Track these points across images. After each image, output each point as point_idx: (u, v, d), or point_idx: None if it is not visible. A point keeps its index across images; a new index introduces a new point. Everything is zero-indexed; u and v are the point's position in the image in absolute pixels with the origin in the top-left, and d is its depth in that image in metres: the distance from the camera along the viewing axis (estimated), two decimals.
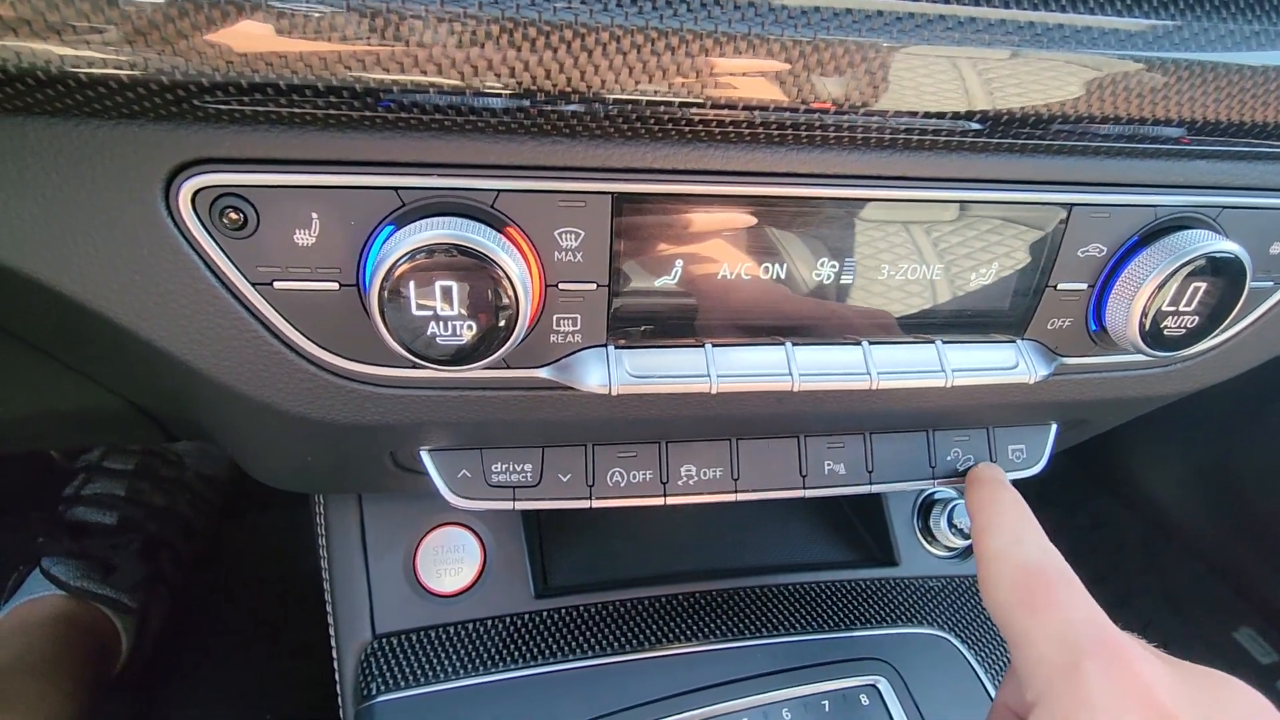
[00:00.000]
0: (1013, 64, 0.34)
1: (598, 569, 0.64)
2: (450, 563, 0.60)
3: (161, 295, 0.34)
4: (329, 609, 0.59)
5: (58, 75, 0.27)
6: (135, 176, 0.32)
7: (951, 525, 0.67)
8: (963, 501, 0.68)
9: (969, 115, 0.35)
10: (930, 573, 0.67)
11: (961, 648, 0.61)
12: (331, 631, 0.59)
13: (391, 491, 0.59)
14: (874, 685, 0.56)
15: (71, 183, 0.31)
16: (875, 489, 0.53)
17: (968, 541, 0.67)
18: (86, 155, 0.31)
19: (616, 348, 0.40)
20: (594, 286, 0.38)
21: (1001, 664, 0.62)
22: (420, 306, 0.34)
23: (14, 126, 0.30)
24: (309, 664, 1.41)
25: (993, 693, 0.59)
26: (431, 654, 0.56)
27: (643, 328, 0.40)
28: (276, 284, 0.35)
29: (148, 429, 0.72)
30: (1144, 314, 0.42)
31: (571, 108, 0.31)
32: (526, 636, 0.58)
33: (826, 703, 0.55)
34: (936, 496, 0.69)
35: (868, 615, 0.62)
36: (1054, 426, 0.56)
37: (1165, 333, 0.43)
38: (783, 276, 0.40)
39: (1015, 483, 0.49)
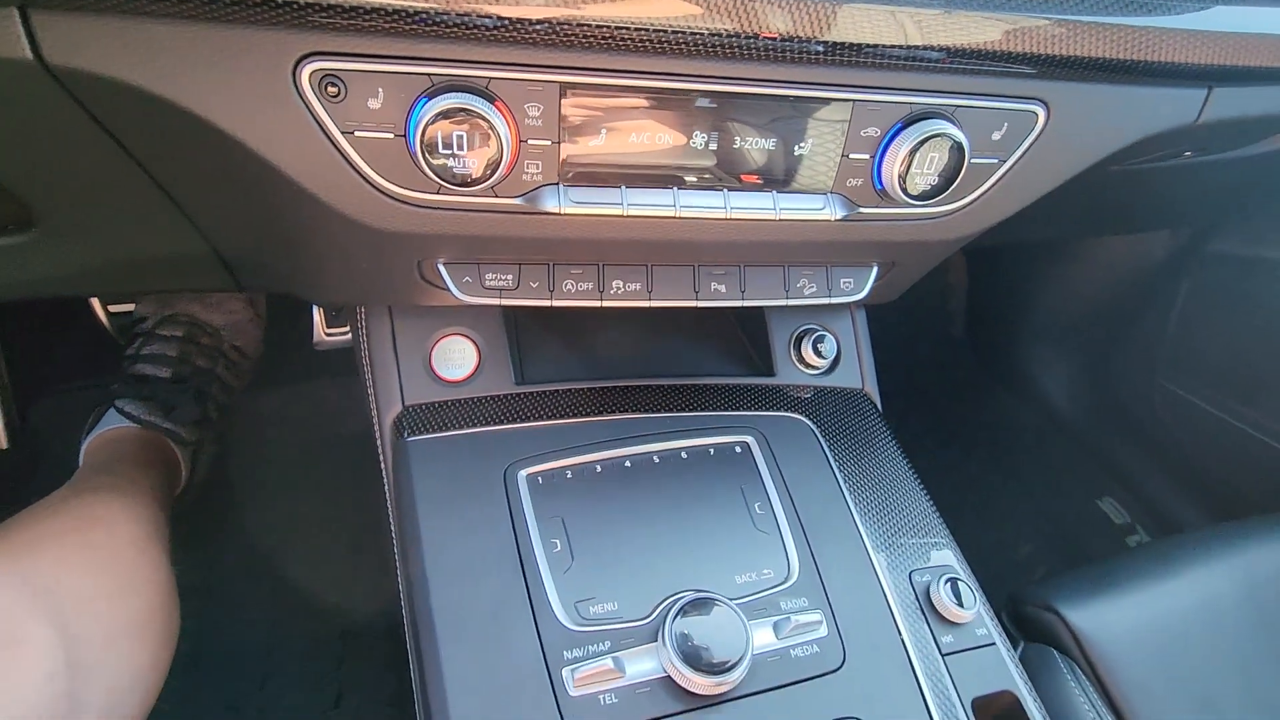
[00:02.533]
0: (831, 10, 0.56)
1: (561, 370, 0.89)
2: (455, 360, 0.85)
3: (289, 137, 0.57)
4: (370, 390, 0.85)
5: None
6: (278, 62, 0.54)
7: (816, 350, 0.93)
8: (825, 333, 0.94)
9: (797, 39, 0.58)
10: (797, 382, 0.94)
11: (813, 426, 0.88)
12: (373, 405, 0.84)
13: (414, 305, 0.84)
14: (746, 442, 0.83)
15: (243, 65, 0.53)
16: (745, 304, 0.79)
17: (826, 361, 0.94)
18: (248, 49, 0.53)
19: (565, 185, 0.63)
20: (549, 143, 0.61)
21: (837, 440, 0.89)
22: (444, 146, 0.57)
23: (208, 30, 0.52)
24: (335, 508, 1.72)
25: (831, 458, 0.86)
26: (445, 417, 0.82)
27: (581, 172, 0.63)
28: (357, 133, 0.58)
29: (221, 275, 0.96)
30: (900, 176, 0.66)
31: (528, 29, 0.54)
32: (510, 407, 0.84)
33: (712, 449, 0.82)
34: (806, 329, 0.94)
35: (748, 403, 0.88)
36: (874, 267, 0.81)
37: (916, 188, 0.67)
38: (671, 144, 0.64)
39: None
